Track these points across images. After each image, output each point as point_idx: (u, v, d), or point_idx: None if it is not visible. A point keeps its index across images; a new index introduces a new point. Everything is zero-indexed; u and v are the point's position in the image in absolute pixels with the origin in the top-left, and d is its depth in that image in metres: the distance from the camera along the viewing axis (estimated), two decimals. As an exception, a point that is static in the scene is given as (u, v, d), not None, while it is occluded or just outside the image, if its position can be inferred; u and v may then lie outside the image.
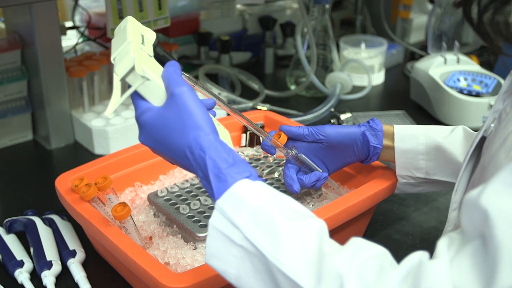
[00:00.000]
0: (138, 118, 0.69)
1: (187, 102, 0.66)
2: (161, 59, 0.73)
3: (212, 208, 0.90)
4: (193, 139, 0.65)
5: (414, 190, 0.94)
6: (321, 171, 0.92)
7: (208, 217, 0.89)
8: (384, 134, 0.90)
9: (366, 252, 0.56)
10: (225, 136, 0.79)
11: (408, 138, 0.90)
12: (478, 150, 0.75)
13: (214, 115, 0.78)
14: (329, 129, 0.91)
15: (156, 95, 0.68)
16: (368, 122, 0.91)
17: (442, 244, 0.53)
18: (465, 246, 0.50)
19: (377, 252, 0.56)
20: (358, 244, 0.57)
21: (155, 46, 0.73)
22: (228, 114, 1.37)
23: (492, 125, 0.70)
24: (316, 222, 0.59)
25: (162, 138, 0.67)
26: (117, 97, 0.67)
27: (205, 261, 0.62)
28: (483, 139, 0.72)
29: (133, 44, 0.67)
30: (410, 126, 0.92)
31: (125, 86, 0.68)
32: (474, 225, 0.50)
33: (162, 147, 0.68)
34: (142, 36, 0.72)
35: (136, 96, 0.69)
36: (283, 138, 0.91)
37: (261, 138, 0.91)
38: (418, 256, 0.54)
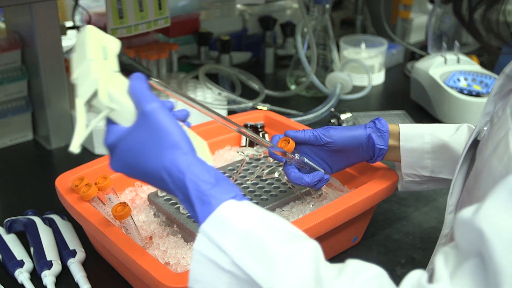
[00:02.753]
0: (106, 143, 0.64)
1: (159, 120, 0.61)
2: (127, 69, 0.68)
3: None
4: (170, 161, 0.60)
5: (419, 188, 0.94)
6: (323, 171, 0.91)
7: None
8: (390, 133, 0.90)
9: (364, 274, 0.54)
10: (202, 148, 0.74)
11: (414, 137, 0.89)
12: (472, 152, 0.75)
13: (189, 126, 0.74)
14: (334, 132, 0.89)
15: (124, 116, 0.62)
16: (373, 122, 0.90)
17: (439, 261, 0.52)
18: (464, 264, 0.49)
19: (375, 273, 0.55)
20: (355, 267, 0.55)
21: (119, 55, 0.67)
22: (228, 114, 1.37)
23: (485, 128, 0.70)
24: (309, 244, 0.56)
25: (135, 162, 0.62)
26: (82, 127, 0.61)
27: (189, 286, 0.59)
28: (477, 142, 0.72)
29: (95, 63, 0.62)
30: (415, 125, 0.91)
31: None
32: (470, 242, 0.49)
33: (137, 171, 0.63)
34: (104, 48, 0.66)
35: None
36: (292, 145, 0.89)
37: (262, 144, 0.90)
38: (416, 277, 0.52)
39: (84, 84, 0.61)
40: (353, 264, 0.55)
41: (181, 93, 0.76)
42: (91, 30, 0.66)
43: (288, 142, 0.89)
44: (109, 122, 0.64)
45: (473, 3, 0.62)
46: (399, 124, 0.91)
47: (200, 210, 0.59)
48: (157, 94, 0.74)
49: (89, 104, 0.62)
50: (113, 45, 0.68)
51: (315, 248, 0.56)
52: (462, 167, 0.76)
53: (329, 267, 0.55)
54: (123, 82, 0.65)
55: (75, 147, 0.61)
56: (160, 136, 0.61)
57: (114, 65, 0.66)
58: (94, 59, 0.62)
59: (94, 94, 0.61)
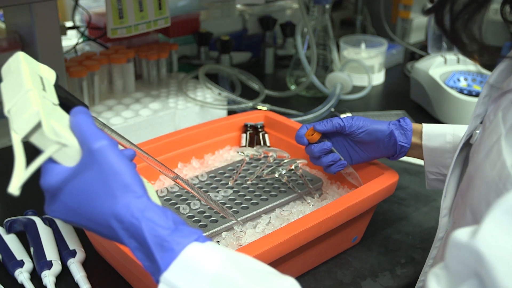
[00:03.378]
0: (45, 186, 0.57)
1: (109, 159, 0.54)
2: (65, 103, 0.61)
3: (212, 208, 0.90)
4: (122, 205, 0.54)
5: (443, 186, 0.95)
6: (342, 158, 0.93)
7: (209, 217, 0.89)
8: (413, 132, 0.92)
9: None
10: (151, 191, 0.66)
11: (436, 136, 0.91)
12: (465, 155, 0.75)
13: (134, 167, 0.69)
14: (359, 122, 0.91)
15: (67, 154, 0.55)
16: (398, 120, 0.92)
17: (431, 282, 0.50)
18: (460, 286, 0.48)
19: None
20: None
21: (56, 88, 0.60)
22: (228, 114, 1.37)
23: (477, 131, 0.70)
24: (286, 282, 0.53)
25: (80, 207, 0.55)
26: (21, 167, 0.53)
27: None
28: (469, 145, 0.72)
29: (34, 93, 0.53)
30: (438, 125, 0.92)
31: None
32: (466, 265, 0.48)
33: (81, 218, 0.56)
34: (41, 78, 0.58)
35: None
36: (317, 136, 0.91)
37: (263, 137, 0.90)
38: None
39: (22, 117, 0.52)
40: None
41: (118, 134, 0.71)
42: (24, 57, 0.59)
43: (313, 133, 0.92)
44: (48, 161, 0.57)
45: (454, 13, 0.61)
46: (422, 124, 0.92)
47: (161, 258, 0.53)
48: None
49: (27, 140, 0.54)
50: (49, 75, 0.61)
51: (291, 286, 0.53)
52: (455, 170, 0.77)
53: None
54: (64, 116, 0.58)
55: (14, 189, 0.52)
56: (110, 177, 0.54)
57: (54, 97, 0.59)
58: (32, 89, 0.54)
59: (34, 129, 0.53)
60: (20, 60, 0.58)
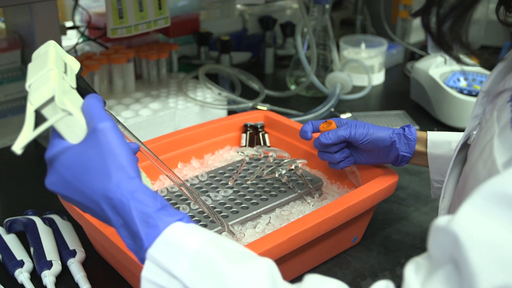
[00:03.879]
0: (49, 158, 0.60)
1: (109, 139, 0.58)
2: (83, 92, 0.66)
3: (212, 208, 0.90)
4: (114, 183, 0.57)
5: None
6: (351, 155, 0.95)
7: (208, 217, 0.89)
8: (418, 140, 0.91)
9: None
10: (145, 179, 0.71)
11: (441, 144, 0.90)
12: (464, 156, 0.75)
13: (137, 161, 0.69)
14: (363, 129, 0.91)
15: (73, 131, 0.60)
16: (403, 128, 0.92)
17: (409, 270, 0.50)
18: (436, 271, 0.48)
19: (335, 287, 0.53)
20: (314, 281, 0.53)
21: (78, 78, 0.66)
22: (228, 114, 1.37)
23: (475, 132, 0.70)
24: (264, 263, 0.54)
25: (75, 180, 0.58)
26: (29, 130, 0.58)
27: None
28: (468, 146, 0.72)
29: (54, 72, 0.60)
30: (444, 132, 0.92)
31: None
32: (443, 250, 0.48)
33: (73, 192, 0.59)
34: (66, 64, 0.65)
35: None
36: (333, 126, 0.93)
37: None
38: (382, 286, 0.52)
39: (40, 91, 0.58)
40: (312, 279, 0.54)
41: (128, 130, 0.74)
42: (54, 45, 0.65)
43: (330, 124, 0.93)
44: (55, 136, 0.61)
45: (441, 16, 0.61)
46: (427, 131, 0.92)
47: (145, 233, 0.55)
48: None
49: (39, 112, 0.59)
50: (74, 65, 0.67)
51: (269, 266, 0.54)
52: (453, 171, 0.76)
53: (287, 284, 0.54)
54: (78, 99, 0.63)
55: (17, 148, 0.58)
56: (108, 156, 0.58)
57: (72, 81, 0.64)
58: (53, 69, 0.60)
59: (47, 103, 0.59)
60: (50, 45, 0.65)
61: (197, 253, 0.54)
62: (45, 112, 0.59)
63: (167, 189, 0.97)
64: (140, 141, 0.76)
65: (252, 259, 0.55)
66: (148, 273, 0.55)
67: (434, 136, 0.91)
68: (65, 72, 0.63)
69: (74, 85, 0.64)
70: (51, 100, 0.58)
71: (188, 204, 0.93)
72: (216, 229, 0.87)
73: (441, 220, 0.48)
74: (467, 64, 0.67)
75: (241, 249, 0.57)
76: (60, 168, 0.59)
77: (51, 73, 0.60)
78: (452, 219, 0.47)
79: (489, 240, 0.44)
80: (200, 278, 0.53)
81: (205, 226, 0.87)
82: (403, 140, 0.91)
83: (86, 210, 0.60)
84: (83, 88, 0.66)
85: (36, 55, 0.65)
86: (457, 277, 0.46)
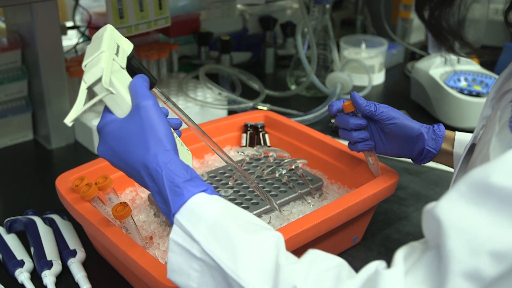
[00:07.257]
0: (99, 129, 0.69)
1: (150, 115, 0.65)
2: (135, 72, 0.73)
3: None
4: (152, 155, 0.64)
5: None
6: (370, 139, 0.92)
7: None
8: (445, 139, 0.90)
9: (323, 264, 0.56)
10: (186, 157, 0.78)
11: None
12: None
13: (179, 135, 0.78)
14: (392, 113, 0.91)
15: (120, 106, 0.68)
16: (432, 125, 0.91)
17: (399, 254, 0.53)
18: (423, 256, 0.50)
19: (335, 264, 0.57)
20: (315, 256, 0.58)
21: (130, 58, 0.73)
22: (229, 114, 1.37)
23: (481, 132, 0.70)
24: (273, 234, 0.60)
25: (120, 149, 0.66)
26: (80, 104, 0.67)
27: (168, 277, 0.63)
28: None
29: (105, 54, 0.67)
30: (471, 134, 0.92)
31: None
32: (432, 235, 0.50)
33: (119, 159, 0.67)
34: (118, 46, 0.71)
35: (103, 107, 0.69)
36: (351, 108, 0.90)
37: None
38: (374, 266, 0.54)
39: (91, 71, 0.66)
40: (313, 254, 0.58)
41: (180, 109, 0.79)
42: (110, 28, 0.72)
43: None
44: (106, 110, 0.69)
45: (433, 3, 0.63)
46: (456, 132, 0.91)
47: (173, 201, 0.62)
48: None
49: (91, 89, 0.67)
50: (127, 47, 0.73)
51: (277, 238, 0.59)
52: (461, 172, 0.76)
53: (290, 255, 0.59)
54: (127, 79, 0.70)
55: (68, 120, 0.66)
56: (148, 130, 0.65)
57: (123, 62, 0.71)
58: (105, 51, 0.67)
59: (98, 81, 0.66)
60: (106, 29, 0.72)
61: (215, 221, 0.60)
62: (96, 89, 0.67)
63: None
64: (189, 118, 0.80)
65: (263, 230, 0.60)
66: (175, 235, 0.61)
67: (462, 136, 0.89)
68: (117, 53, 0.70)
69: (124, 65, 0.71)
70: (100, 79, 0.65)
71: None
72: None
73: (430, 204, 0.51)
74: (461, 55, 0.68)
75: (255, 221, 0.62)
76: (106, 137, 0.67)
77: (102, 55, 0.67)
78: (437, 204, 0.49)
79: (466, 226, 0.46)
80: (216, 243, 0.59)
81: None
82: (431, 134, 0.89)
83: (131, 176, 0.67)
84: (136, 67, 0.73)
85: (95, 37, 0.72)
86: (437, 262, 0.48)
